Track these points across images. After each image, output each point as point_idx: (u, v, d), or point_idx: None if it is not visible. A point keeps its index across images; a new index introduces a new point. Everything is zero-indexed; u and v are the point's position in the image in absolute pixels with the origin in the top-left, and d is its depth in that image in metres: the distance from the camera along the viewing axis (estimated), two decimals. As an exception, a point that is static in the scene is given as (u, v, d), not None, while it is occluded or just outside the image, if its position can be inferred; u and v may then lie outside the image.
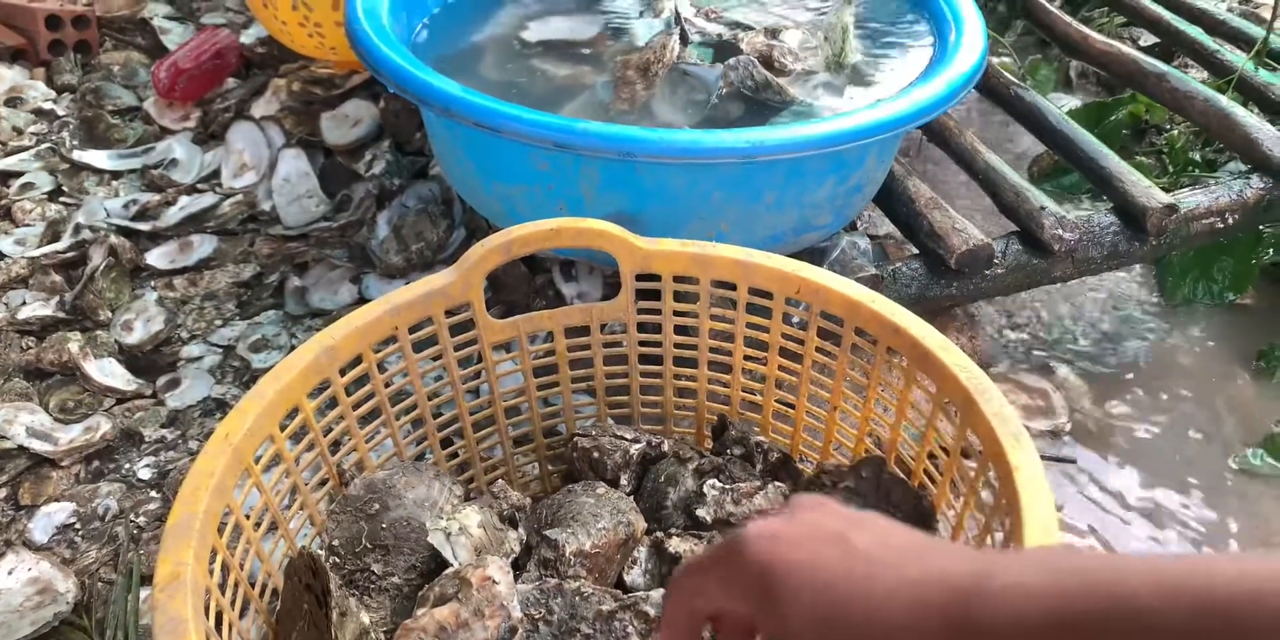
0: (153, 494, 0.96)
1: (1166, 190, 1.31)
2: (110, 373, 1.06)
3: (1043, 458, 1.13)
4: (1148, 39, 1.81)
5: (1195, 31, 1.58)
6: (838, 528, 0.39)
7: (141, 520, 0.93)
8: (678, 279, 0.83)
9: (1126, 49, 1.51)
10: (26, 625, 0.81)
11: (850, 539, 0.38)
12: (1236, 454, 1.11)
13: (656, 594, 0.65)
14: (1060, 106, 1.70)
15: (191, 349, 1.12)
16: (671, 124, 1.13)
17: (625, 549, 0.70)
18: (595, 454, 0.81)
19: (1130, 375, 1.21)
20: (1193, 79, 1.41)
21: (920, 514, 0.71)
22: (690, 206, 1.03)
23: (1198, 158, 1.50)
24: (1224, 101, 1.34)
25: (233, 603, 0.62)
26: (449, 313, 0.80)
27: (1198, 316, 1.30)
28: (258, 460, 0.67)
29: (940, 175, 1.50)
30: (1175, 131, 1.57)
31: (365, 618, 0.62)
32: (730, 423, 0.86)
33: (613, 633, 0.62)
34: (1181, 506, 1.05)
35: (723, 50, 1.23)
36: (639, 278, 0.84)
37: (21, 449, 0.98)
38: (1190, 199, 1.22)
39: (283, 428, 0.69)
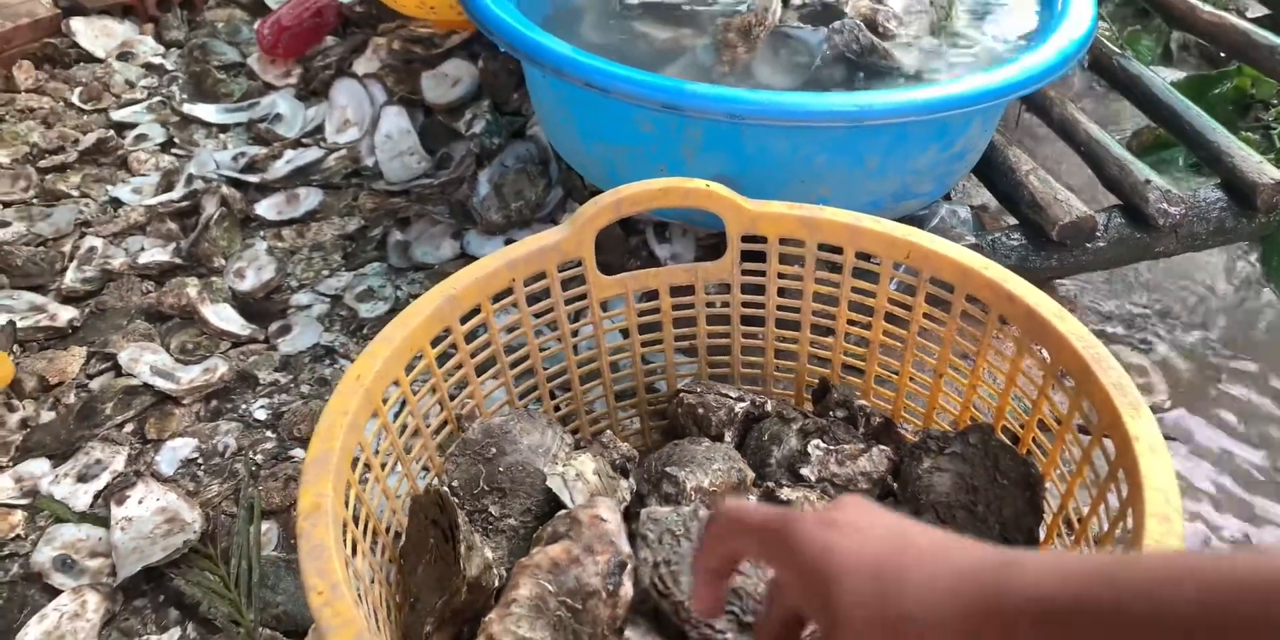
0: (268, 434, 1.00)
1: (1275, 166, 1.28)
2: (226, 317, 1.11)
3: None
4: (1256, 9, 1.75)
5: (1310, 3, 1.53)
6: (885, 520, 0.43)
7: (259, 458, 0.97)
8: (782, 241, 0.84)
9: (1235, 20, 1.47)
10: (159, 551, 0.86)
11: (902, 528, 0.42)
12: (1338, 437, 1.09)
13: None
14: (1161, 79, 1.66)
15: (300, 297, 1.16)
16: (772, 87, 1.13)
17: (738, 492, 0.72)
18: (700, 410, 0.82)
19: (1231, 354, 1.19)
20: (1306, 53, 1.37)
21: (1029, 482, 0.72)
22: (792, 170, 1.03)
23: (1308, 134, 1.46)
24: (1341, 76, 1.30)
25: (363, 534, 0.65)
26: (562, 267, 0.82)
27: (1302, 294, 1.27)
28: (386, 401, 0.70)
29: (1037, 147, 1.47)
30: (1284, 107, 1.53)
31: (489, 553, 0.64)
32: (833, 386, 0.87)
33: None
34: (1280, 487, 1.04)
35: (825, 14, 1.22)
36: (745, 239, 0.85)
37: (147, 386, 1.03)
38: (1303, 176, 1.19)
39: (409, 370, 0.72)
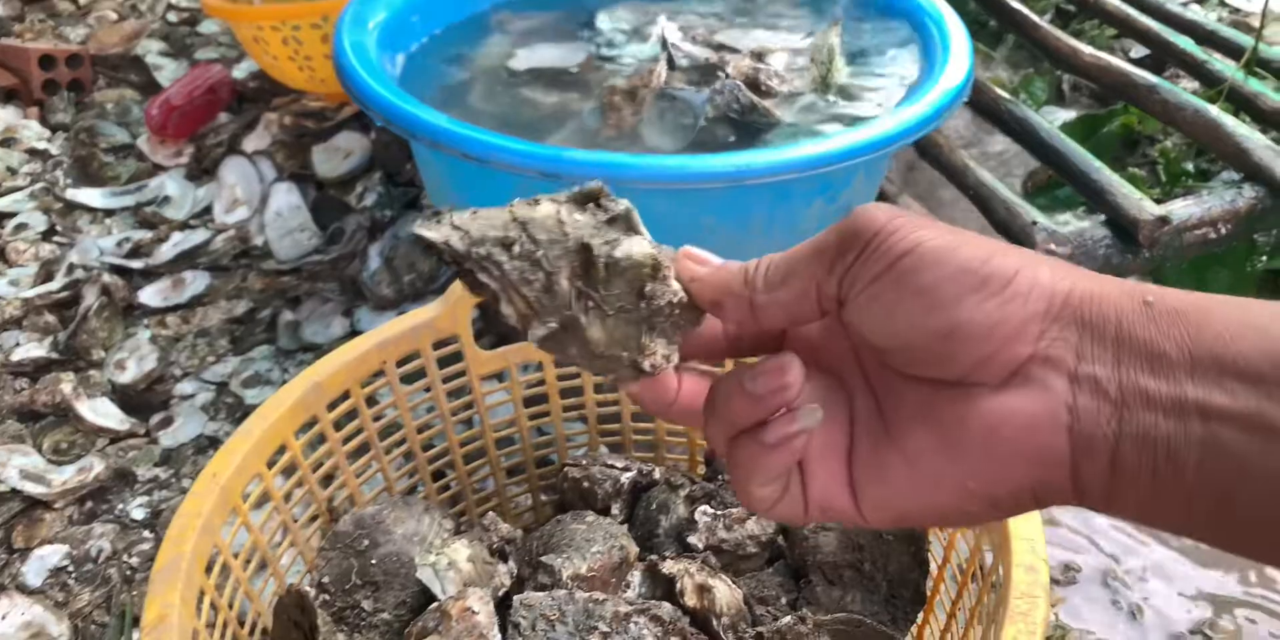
0: (145, 534, 0.95)
1: (1160, 201, 1.30)
2: (103, 413, 1.06)
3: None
4: (1139, 50, 1.81)
5: (1185, 42, 1.58)
6: None
7: (134, 561, 0.93)
8: (667, 305, 0.83)
9: (1116, 61, 1.51)
10: (19, 670, 0.81)
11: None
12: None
13: (668, 605, 0.64)
14: (1053, 119, 1.70)
15: (184, 386, 1.12)
16: (659, 149, 1.13)
17: (619, 573, 0.70)
18: (585, 484, 0.80)
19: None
20: (1183, 90, 1.41)
21: (912, 537, 0.71)
22: (680, 230, 1.02)
23: (1191, 168, 1.50)
24: (1214, 111, 1.34)
25: (220, 644, 0.61)
26: (438, 345, 0.80)
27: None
28: (247, 498, 0.67)
29: (936, 192, 1.49)
30: (1168, 142, 1.57)
31: (353, 656, 0.61)
32: (723, 448, 0.85)
33: (629, 632, 0.62)
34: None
35: (710, 74, 1.23)
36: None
37: (14, 492, 0.98)
38: (1182, 210, 1.22)
39: (271, 465, 0.69)
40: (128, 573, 0.91)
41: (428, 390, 0.81)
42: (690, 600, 0.66)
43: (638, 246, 0.36)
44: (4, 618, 0.85)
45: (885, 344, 0.32)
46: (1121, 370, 0.29)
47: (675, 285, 0.36)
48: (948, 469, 0.31)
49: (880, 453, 0.33)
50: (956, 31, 1.20)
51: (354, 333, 1.17)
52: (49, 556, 0.92)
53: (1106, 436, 0.29)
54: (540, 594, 0.65)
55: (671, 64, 1.24)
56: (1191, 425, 0.28)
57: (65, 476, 0.99)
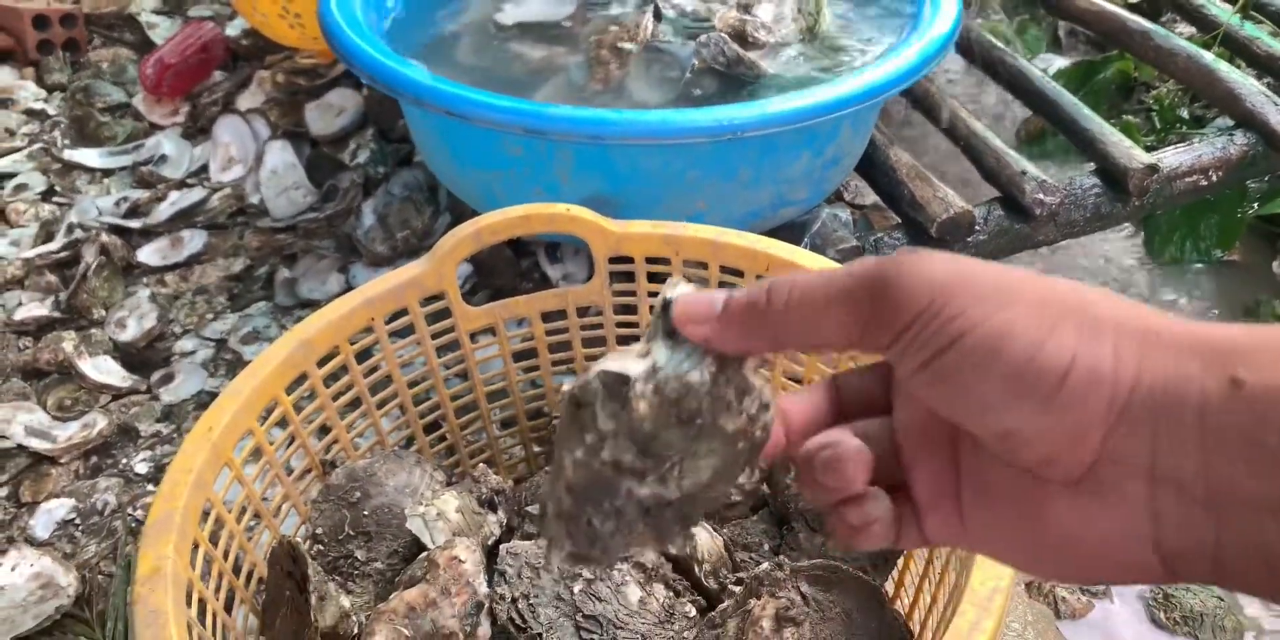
0: (149, 488, 0.98)
1: (1154, 148, 1.30)
2: (105, 370, 1.09)
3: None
4: (1138, -6, 1.78)
5: (1181, -14, 1.57)
6: None
7: (139, 514, 0.96)
8: (652, 260, 0.84)
9: (1110, 6, 1.50)
10: (30, 619, 0.84)
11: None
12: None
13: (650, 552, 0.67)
14: (1049, 66, 1.69)
15: (184, 343, 1.14)
16: (646, 103, 1.13)
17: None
18: (573, 435, 0.82)
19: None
20: (1177, 36, 1.40)
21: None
22: (665, 186, 1.04)
23: (1186, 114, 1.49)
24: (1207, 57, 1.33)
25: (217, 592, 0.64)
26: (427, 301, 0.81)
27: (1188, 275, 1.30)
28: (240, 452, 0.69)
29: (931, 141, 1.49)
30: (1163, 89, 1.56)
31: (345, 601, 0.64)
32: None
33: (612, 578, 0.64)
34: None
35: (699, 25, 1.23)
36: (615, 260, 0.85)
37: (21, 448, 1.01)
38: (1172, 158, 1.22)
39: (263, 421, 0.71)
40: (133, 525, 0.94)
41: (419, 345, 0.83)
42: (672, 547, 0.69)
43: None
44: (14, 569, 0.88)
45: (949, 420, 0.29)
46: (1211, 468, 0.25)
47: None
48: (1029, 554, 0.30)
49: (980, 501, 0.31)
50: (946, -21, 1.19)
51: (349, 289, 1.18)
52: (56, 510, 0.95)
53: (1204, 544, 0.25)
54: (526, 542, 0.67)
55: (659, 16, 1.24)
56: None
57: (70, 432, 1.02)
